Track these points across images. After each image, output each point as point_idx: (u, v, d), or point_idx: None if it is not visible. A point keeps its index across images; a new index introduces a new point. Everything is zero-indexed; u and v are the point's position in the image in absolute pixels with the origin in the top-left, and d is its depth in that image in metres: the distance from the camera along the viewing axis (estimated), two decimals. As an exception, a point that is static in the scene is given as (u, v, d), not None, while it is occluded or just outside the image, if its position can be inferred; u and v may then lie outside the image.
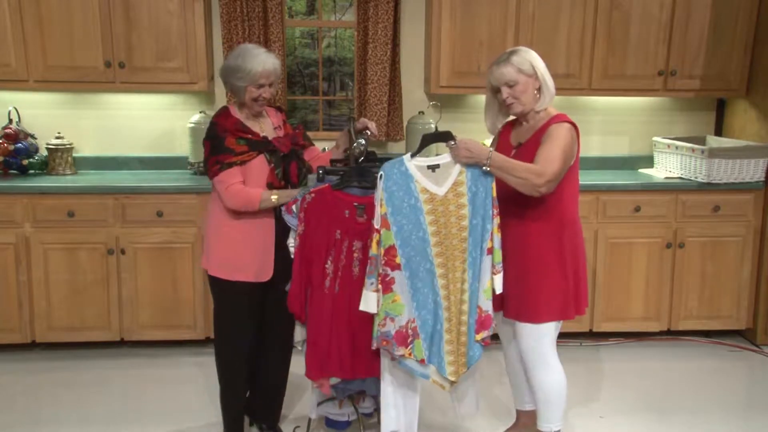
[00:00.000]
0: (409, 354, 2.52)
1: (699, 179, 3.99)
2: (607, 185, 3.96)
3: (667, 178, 4.12)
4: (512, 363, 2.93)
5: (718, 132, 4.52)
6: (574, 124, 2.60)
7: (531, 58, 2.59)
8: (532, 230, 2.61)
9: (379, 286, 2.48)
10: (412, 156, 2.50)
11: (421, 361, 2.54)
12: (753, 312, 4.14)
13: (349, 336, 2.60)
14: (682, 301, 4.08)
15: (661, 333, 4.17)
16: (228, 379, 2.88)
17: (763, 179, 4.01)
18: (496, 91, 2.64)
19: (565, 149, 2.52)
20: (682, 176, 4.10)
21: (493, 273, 2.52)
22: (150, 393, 3.48)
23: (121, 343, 3.95)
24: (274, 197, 2.64)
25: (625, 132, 4.52)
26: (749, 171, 3.97)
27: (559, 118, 2.60)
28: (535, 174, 2.45)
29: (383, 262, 2.47)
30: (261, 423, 3.05)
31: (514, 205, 2.58)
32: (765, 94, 4.07)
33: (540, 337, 2.64)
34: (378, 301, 2.49)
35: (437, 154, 2.62)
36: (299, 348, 2.75)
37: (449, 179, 2.49)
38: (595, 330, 4.05)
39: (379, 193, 2.46)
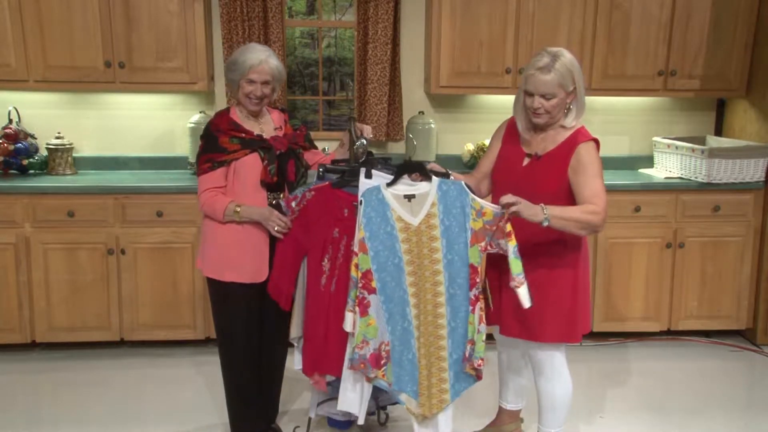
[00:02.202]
0: (383, 375, 2.53)
1: (699, 179, 3.99)
2: (607, 185, 3.85)
3: (667, 178, 4.12)
4: (505, 364, 2.93)
5: (718, 132, 4.53)
6: (596, 140, 2.53)
7: (573, 69, 2.45)
8: (540, 249, 2.52)
9: (356, 308, 2.49)
10: (389, 185, 2.49)
11: (390, 384, 2.54)
12: (753, 312, 4.14)
13: (345, 335, 2.60)
14: (682, 301, 4.08)
15: (661, 333, 4.17)
16: (231, 380, 2.87)
17: (763, 179, 4.01)
18: (528, 93, 2.51)
19: (601, 173, 2.48)
20: (682, 176, 4.10)
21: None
22: (150, 393, 3.48)
23: (121, 343, 3.95)
24: (238, 208, 2.64)
25: (625, 132, 4.52)
26: (749, 171, 3.97)
27: (584, 136, 2.51)
28: (593, 214, 2.39)
29: (361, 284, 2.48)
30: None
31: (518, 219, 2.44)
32: (765, 94, 4.07)
33: (552, 351, 2.63)
34: (354, 322, 2.50)
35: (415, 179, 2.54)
36: (295, 344, 2.75)
37: (423, 210, 2.47)
38: (595, 330, 4.05)
39: (359, 218, 2.47)
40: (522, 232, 2.44)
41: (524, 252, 2.48)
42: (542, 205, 2.34)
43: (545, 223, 2.33)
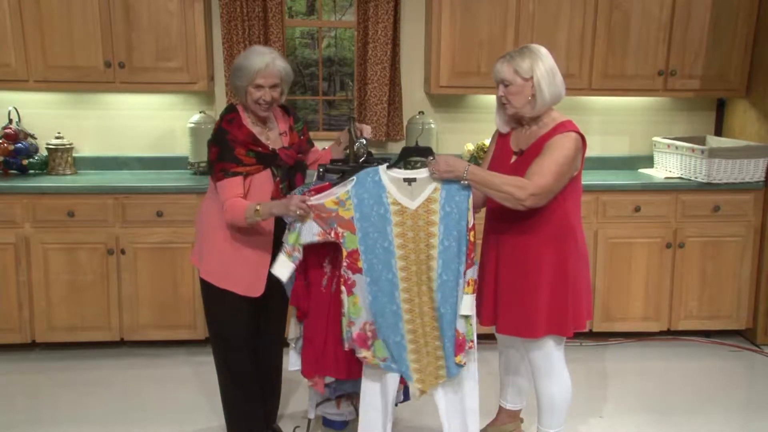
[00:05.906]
0: (372, 356, 2.52)
1: (699, 179, 3.99)
2: (607, 185, 3.96)
3: (667, 178, 4.12)
4: (505, 364, 2.93)
5: (718, 132, 4.53)
6: (580, 134, 2.50)
7: (534, 60, 2.48)
8: (531, 243, 2.53)
9: (343, 287, 2.48)
10: (389, 167, 2.48)
11: (384, 360, 2.53)
12: (753, 312, 4.14)
13: None
14: (682, 301, 4.08)
15: (661, 333, 4.17)
16: (226, 381, 2.86)
17: (763, 179, 4.01)
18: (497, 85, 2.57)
19: (563, 162, 2.42)
20: (682, 176, 4.10)
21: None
22: (150, 393, 3.48)
23: (121, 343, 3.95)
24: (258, 207, 2.51)
25: (625, 132, 4.52)
26: (749, 171, 3.97)
27: (565, 127, 2.49)
28: (517, 188, 2.38)
29: (345, 264, 2.47)
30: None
31: (511, 214, 2.49)
32: (765, 94, 4.07)
33: (549, 350, 2.62)
34: (344, 301, 2.49)
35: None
36: (292, 345, 2.75)
37: (423, 194, 2.47)
38: (595, 330, 4.05)
39: (340, 193, 2.45)
40: (505, 223, 2.55)
41: (510, 241, 2.56)
42: (468, 164, 2.41)
43: (465, 183, 2.43)
